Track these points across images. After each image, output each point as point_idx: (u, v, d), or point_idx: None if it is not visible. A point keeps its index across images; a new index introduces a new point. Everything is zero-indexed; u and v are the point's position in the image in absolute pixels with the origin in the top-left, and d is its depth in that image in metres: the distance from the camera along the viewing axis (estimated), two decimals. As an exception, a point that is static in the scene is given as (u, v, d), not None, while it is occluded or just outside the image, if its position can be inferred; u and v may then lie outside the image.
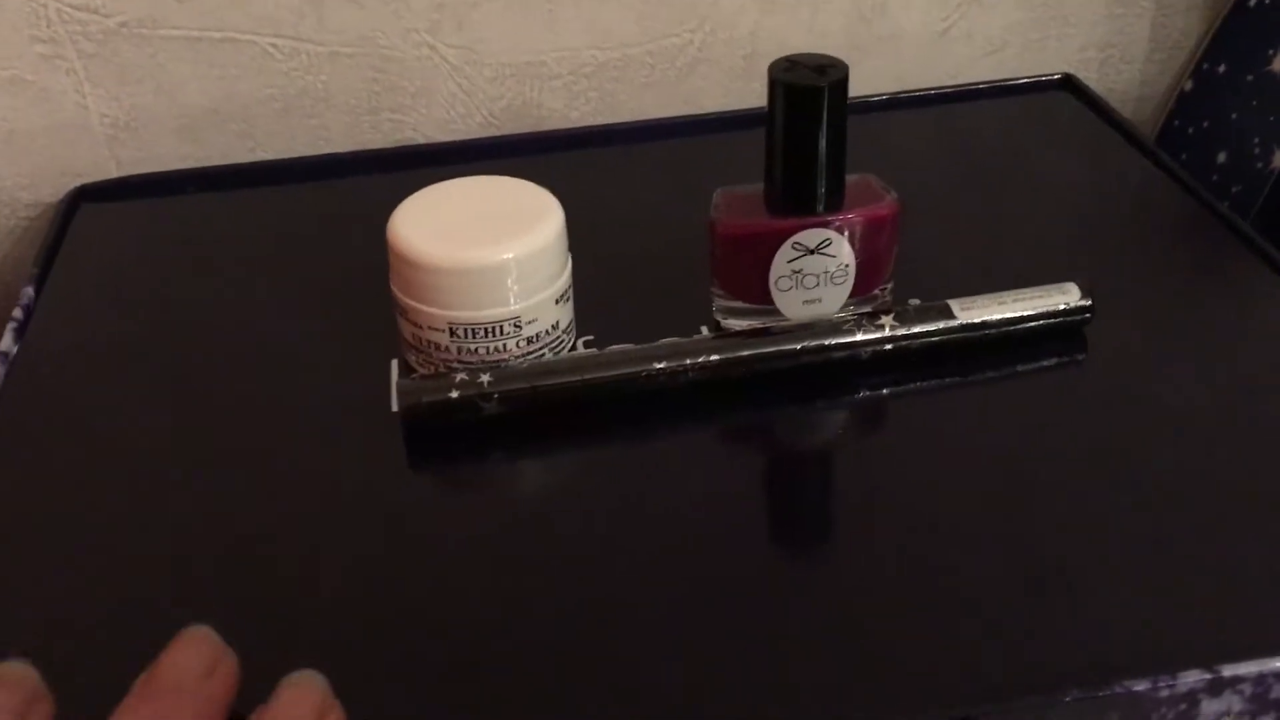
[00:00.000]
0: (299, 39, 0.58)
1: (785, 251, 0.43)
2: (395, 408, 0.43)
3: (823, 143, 0.42)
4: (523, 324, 0.43)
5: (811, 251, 0.43)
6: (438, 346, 0.43)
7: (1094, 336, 0.46)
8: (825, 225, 0.43)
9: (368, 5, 0.58)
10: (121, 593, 0.38)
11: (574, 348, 0.46)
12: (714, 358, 0.43)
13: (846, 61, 0.64)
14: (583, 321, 0.46)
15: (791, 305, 0.45)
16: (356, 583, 0.38)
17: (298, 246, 0.54)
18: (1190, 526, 0.38)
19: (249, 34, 0.57)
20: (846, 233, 0.43)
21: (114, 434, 0.44)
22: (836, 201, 0.43)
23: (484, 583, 0.38)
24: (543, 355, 0.44)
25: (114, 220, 0.57)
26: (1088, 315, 0.45)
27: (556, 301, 0.44)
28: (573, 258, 0.45)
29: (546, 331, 0.44)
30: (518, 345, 0.43)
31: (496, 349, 0.43)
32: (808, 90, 0.41)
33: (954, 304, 0.44)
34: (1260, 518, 0.38)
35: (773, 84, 0.41)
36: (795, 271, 0.44)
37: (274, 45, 0.58)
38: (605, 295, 0.47)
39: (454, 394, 0.41)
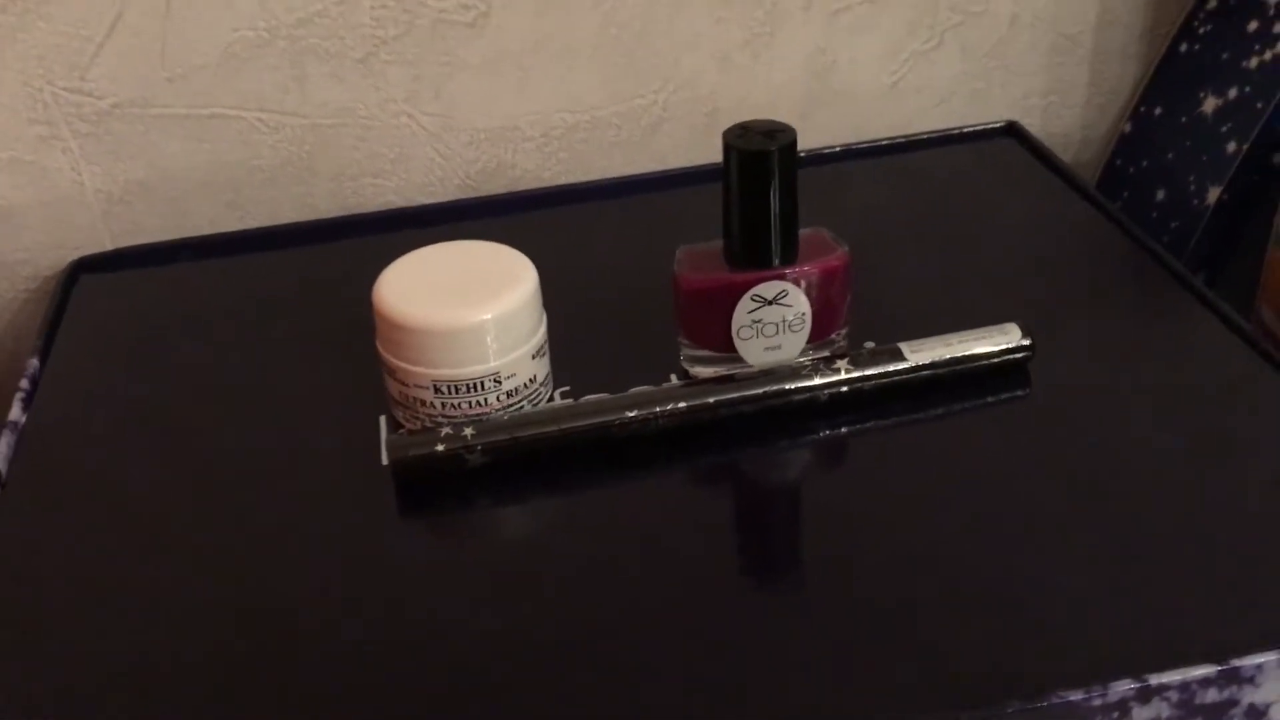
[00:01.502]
0: (283, 113, 0.61)
1: (745, 303, 0.47)
2: (385, 461, 0.46)
3: (775, 201, 0.45)
4: (502, 379, 0.46)
5: (770, 302, 0.47)
6: (423, 403, 0.46)
7: (1037, 372, 0.49)
8: (782, 277, 0.46)
9: (348, 79, 0.61)
10: (130, 653, 0.40)
11: (552, 399, 0.49)
12: (682, 404, 0.46)
13: (802, 114, 0.67)
14: (559, 373, 0.49)
15: (753, 352, 0.48)
16: (354, 628, 0.40)
17: (288, 309, 0.57)
18: (1123, 545, 0.41)
19: (235, 110, 0.61)
20: (802, 283, 0.47)
21: (119, 495, 0.47)
22: (791, 255, 0.47)
23: (472, 623, 0.40)
24: (522, 407, 0.47)
25: (111, 290, 0.60)
26: (1029, 353, 0.48)
27: (533, 357, 0.47)
28: (547, 312, 0.48)
29: (525, 385, 0.47)
30: (498, 399, 0.46)
31: (479, 403, 0.46)
32: (758, 154, 0.44)
33: (904, 347, 0.48)
34: (1187, 536, 0.41)
35: (726, 149, 0.45)
36: (755, 321, 0.47)
37: (260, 119, 0.61)
38: (579, 347, 0.50)
39: (440, 447, 0.44)
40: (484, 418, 0.46)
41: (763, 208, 0.45)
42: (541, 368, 0.48)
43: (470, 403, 0.46)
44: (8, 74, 0.58)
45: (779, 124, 0.45)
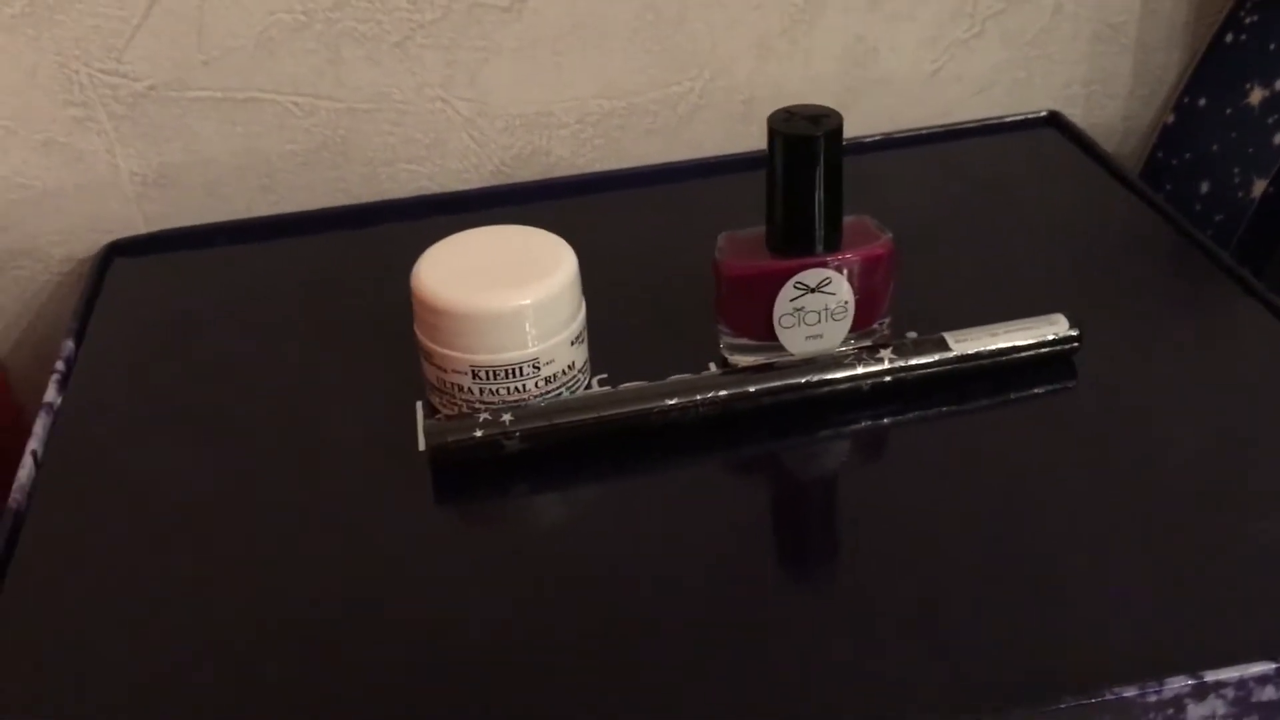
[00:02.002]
0: (318, 97, 0.61)
1: (788, 290, 0.46)
2: (422, 447, 0.46)
3: (820, 187, 0.44)
4: (541, 365, 0.45)
5: (812, 290, 0.46)
6: (460, 388, 0.46)
7: (1082, 364, 0.48)
8: (825, 265, 0.46)
9: (384, 64, 0.60)
10: (162, 638, 0.40)
11: (589, 386, 0.48)
12: (722, 393, 0.46)
13: (840, 103, 0.66)
14: (596, 360, 0.49)
15: (795, 341, 0.47)
16: (391, 615, 0.40)
17: (322, 294, 0.56)
18: (1176, 541, 0.40)
19: (271, 93, 0.60)
20: (845, 271, 0.46)
21: (154, 478, 0.46)
22: (835, 242, 0.46)
23: (508, 611, 0.40)
24: (560, 394, 0.46)
25: (145, 273, 0.59)
26: (1076, 344, 0.47)
27: (572, 343, 0.46)
28: (586, 294, 0.47)
29: (563, 371, 0.46)
30: (536, 385, 0.46)
31: (516, 389, 0.45)
32: (804, 139, 0.43)
33: (949, 336, 0.47)
34: (1241, 531, 0.40)
35: (772, 134, 0.44)
36: (797, 309, 0.46)
37: (295, 103, 0.61)
38: (617, 334, 0.50)
39: (478, 433, 0.44)
40: (522, 404, 0.45)
41: (807, 193, 0.44)
42: (580, 354, 0.47)
43: (508, 389, 0.45)
44: (44, 56, 0.57)
45: (824, 108, 0.45)
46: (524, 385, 0.45)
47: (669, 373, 0.48)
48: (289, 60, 0.60)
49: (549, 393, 0.46)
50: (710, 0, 0.62)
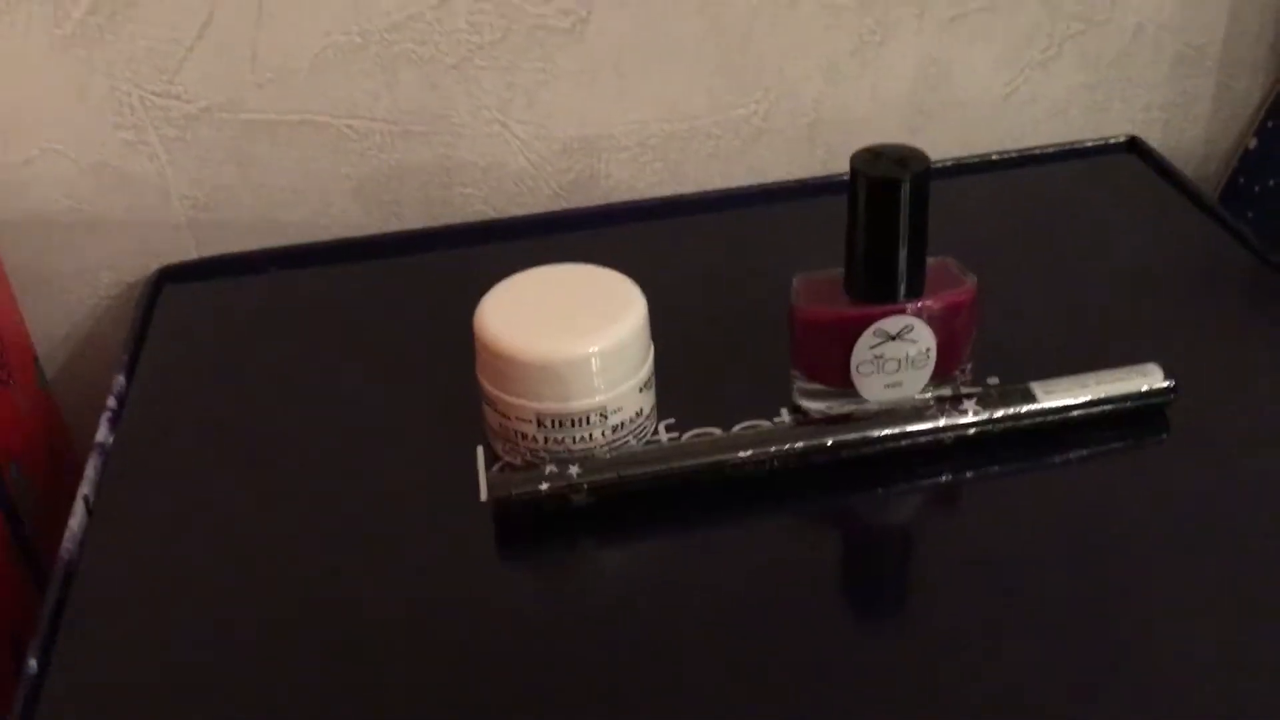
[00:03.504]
0: (374, 119, 0.59)
1: (867, 338, 0.44)
2: (484, 497, 0.44)
3: (904, 232, 0.42)
4: (608, 413, 0.43)
5: (893, 338, 0.44)
6: (524, 436, 0.44)
7: (1174, 414, 0.46)
8: (906, 312, 0.43)
9: (441, 85, 0.59)
10: (217, 680, 0.38)
11: (656, 431, 0.46)
12: (799, 445, 0.44)
13: (910, 127, 0.64)
14: (662, 401, 0.47)
15: (873, 389, 0.45)
16: (450, 670, 0.38)
17: (377, 323, 0.55)
18: (1268, 607, 0.38)
19: (325, 116, 0.59)
20: (927, 318, 0.44)
21: (206, 520, 0.45)
22: (917, 287, 0.44)
23: (574, 669, 0.38)
24: (627, 442, 0.44)
25: (196, 300, 0.58)
26: (1170, 397, 0.45)
27: (640, 390, 0.44)
28: (653, 326, 0.45)
29: (631, 419, 0.44)
30: (603, 434, 0.44)
31: (583, 438, 0.44)
32: (890, 182, 0.41)
33: (1036, 387, 0.45)
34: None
35: (854, 175, 0.42)
36: (877, 357, 0.44)
37: (350, 126, 0.59)
38: (682, 373, 0.48)
39: (543, 486, 0.42)
40: (589, 455, 0.43)
41: (890, 239, 0.42)
42: (648, 400, 0.45)
43: (574, 437, 0.43)
44: (95, 77, 0.56)
45: (912, 149, 0.42)
46: (590, 434, 0.44)
47: (737, 417, 0.46)
48: (344, 82, 0.58)
49: (616, 441, 0.44)
50: (778, 19, 0.60)
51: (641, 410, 0.45)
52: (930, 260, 0.45)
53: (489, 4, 0.57)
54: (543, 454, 0.44)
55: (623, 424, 0.44)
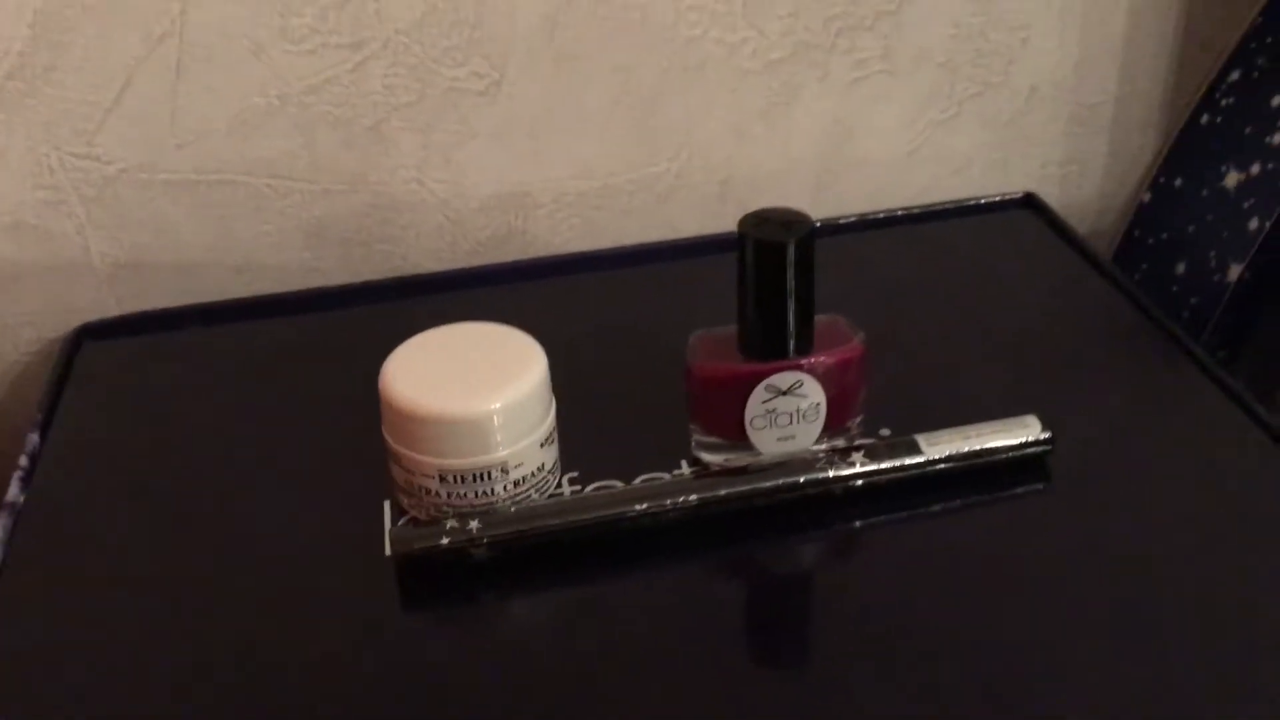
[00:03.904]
0: (293, 179, 0.61)
1: (759, 393, 0.46)
2: (389, 552, 0.45)
3: (791, 292, 0.44)
4: (510, 468, 0.45)
5: (784, 393, 0.46)
6: (428, 491, 0.45)
7: (1055, 463, 0.48)
8: (796, 368, 0.45)
9: (358, 145, 0.60)
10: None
11: (560, 485, 0.48)
12: (693, 498, 0.45)
13: (818, 183, 0.67)
14: (569, 454, 0.48)
15: (766, 442, 0.47)
16: (354, 731, 0.39)
17: (296, 378, 0.56)
18: (1145, 648, 0.40)
19: (244, 175, 0.60)
20: (816, 374, 0.46)
21: (121, 577, 0.46)
22: (806, 345, 0.46)
23: (476, 728, 0.39)
24: (530, 496, 0.46)
25: (116, 357, 0.59)
26: (1048, 447, 0.47)
27: (541, 445, 0.46)
28: (557, 384, 0.47)
29: (533, 474, 0.46)
30: (505, 489, 0.45)
31: (485, 493, 0.45)
32: (775, 245, 0.43)
33: (921, 439, 0.47)
34: (1215, 641, 0.40)
35: (742, 238, 0.44)
36: (769, 411, 0.46)
37: (269, 185, 0.60)
38: (589, 427, 0.49)
39: (444, 540, 0.43)
40: (490, 509, 0.44)
41: (779, 298, 0.44)
42: (550, 455, 0.47)
43: (476, 492, 0.45)
44: (15, 139, 0.57)
45: (796, 213, 0.44)
46: (493, 489, 0.45)
47: (641, 469, 0.48)
48: (263, 143, 0.59)
49: (518, 495, 0.46)
50: (687, 84, 0.62)
51: (543, 465, 0.46)
52: (821, 318, 0.47)
53: (403, 68, 0.59)
54: (446, 509, 0.45)
55: (524, 479, 0.46)
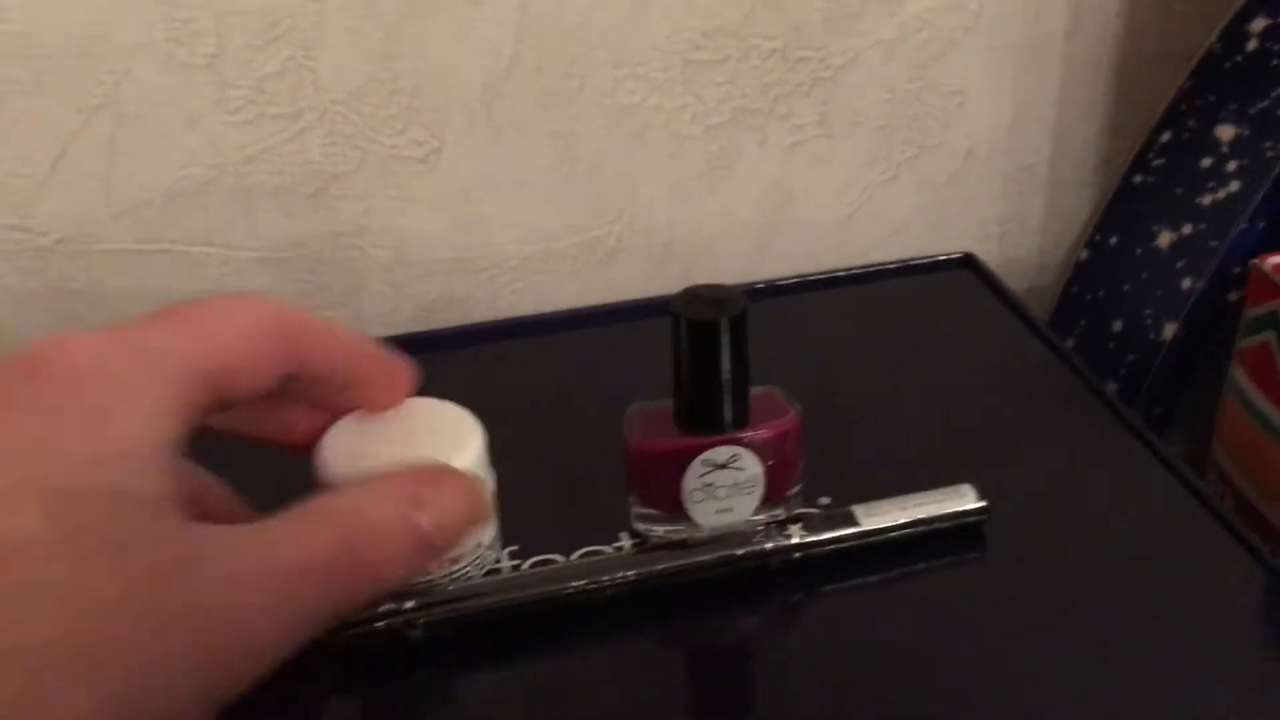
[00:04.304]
0: (230, 247, 0.60)
1: (695, 467, 0.46)
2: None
3: (725, 369, 0.44)
4: None
5: (721, 466, 0.46)
6: (364, 570, 0.45)
7: (991, 532, 0.48)
8: (733, 442, 0.45)
9: (296, 214, 0.60)
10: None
11: (499, 560, 0.47)
12: (630, 574, 0.45)
13: (758, 244, 0.67)
14: (509, 522, 0.48)
15: (705, 515, 0.47)
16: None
17: (234, 448, 0.55)
18: (1092, 710, 0.40)
19: (182, 245, 0.60)
20: (753, 447, 0.46)
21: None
22: (742, 419, 0.46)
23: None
24: (467, 573, 0.46)
25: (50, 429, 0.58)
26: (984, 516, 0.47)
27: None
28: (500, 453, 0.47)
29: (470, 551, 0.45)
30: (440, 567, 0.45)
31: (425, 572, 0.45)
32: (708, 325, 0.43)
33: (858, 510, 0.47)
34: (1152, 707, 0.40)
35: (675, 318, 0.44)
36: (707, 485, 0.46)
37: (206, 254, 0.60)
38: (530, 495, 0.49)
39: (379, 624, 0.43)
40: (426, 589, 0.44)
41: (713, 375, 0.44)
42: (487, 532, 0.47)
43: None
44: (-53, 211, 0.57)
45: (728, 290, 0.45)
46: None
47: (582, 540, 0.47)
48: (200, 213, 0.59)
49: (455, 572, 0.45)
50: (627, 147, 0.62)
51: (480, 542, 0.46)
52: (757, 390, 0.47)
53: (341, 136, 0.59)
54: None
55: (462, 555, 0.45)
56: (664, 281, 0.67)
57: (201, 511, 0.35)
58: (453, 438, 0.46)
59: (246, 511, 0.39)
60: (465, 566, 0.46)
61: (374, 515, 0.34)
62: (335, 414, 0.42)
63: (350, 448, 0.45)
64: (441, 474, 0.37)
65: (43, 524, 0.27)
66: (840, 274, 0.67)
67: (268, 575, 0.31)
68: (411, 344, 0.62)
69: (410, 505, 0.35)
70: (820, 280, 0.66)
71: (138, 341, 0.32)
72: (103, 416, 0.29)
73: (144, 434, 0.30)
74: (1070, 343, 0.70)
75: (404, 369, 0.42)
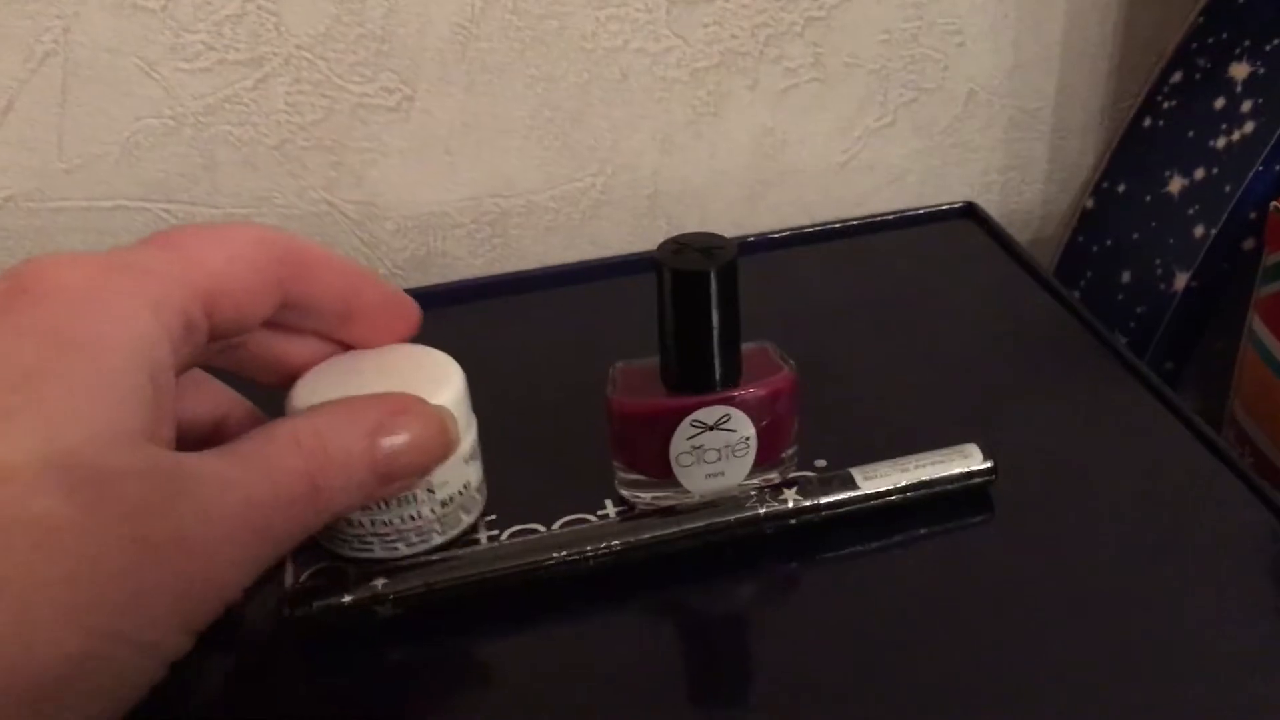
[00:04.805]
0: (193, 204, 0.57)
1: (684, 429, 0.43)
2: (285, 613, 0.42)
3: (715, 323, 0.41)
4: (435, 488, 0.42)
5: (711, 427, 0.43)
6: (350, 522, 0.42)
7: (999, 494, 0.45)
8: (723, 401, 0.43)
9: (262, 167, 0.57)
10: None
11: (476, 528, 0.45)
12: (615, 543, 0.42)
13: (750, 195, 0.64)
14: (492, 492, 0.45)
15: (694, 480, 0.44)
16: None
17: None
18: (1101, 677, 0.38)
19: (140, 201, 0.56)
20: (744, 407, 0.43)
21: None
22: (733, 376, 0.43)
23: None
24: (459, 517, 0.43)
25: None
26: (991, 477, 0.45)
27: (466, 461, 0.43)
28: (481, 415, 0.44)
29: (460, 492, 0.43)
30: (432, 510, 0.42)
31: (411, 516, 0.42)
32: (696, 275, 0.40)
33: (856, 473, 0.44)
34: (1173, 668, 0.38)
35: (659, 269, 0.41)
36: (696, 447, 0.43)
37: (167, 210, 0.57)
38: (511, 460, 0.46)
39: (346, 599, 0.40)
40: (397, 563, 0.41)
41: (702, 330, 0.41)
42: (475, 472, 0.44)
43: (401, 517, 0.42)
44: (-111, 167, 0.53)
45: (717, 238, 0.42)
46: (419, 511, 0.42)
47: (566, 508, 0.45)
48: (158, 166, 0.56)
49: (445, 515, 0.42)
50: (609, 94, 0.59)
51: (469, 483, 0.43)
52: (749, 346, 0.44)
53: (308, 84, 0.55)
54: (369, 537, 0.42)
55: (451, 498, 0.42)
56: (650, 235, 0.64)
57: (219, 432, 0.37)
58: (433, 376, 0.43)
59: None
60: (455, 508, 0.43)
61: (337, 445, 0.34)
62: (334, 348, 0.41)
63: (325, 391, 0.42)
64: (408, 402, 0.37)
65: (32, 455, 0.27)
66: (835, 225, 0.63)
67: (242, 508, 0.31)
68: (386, 303, 0.59)
69: (374, 434, 0.35)
70: (814, 232, 0.63)
71: (129, 264, 0.31)
72: (93, 342, 0.29)
73: (133, 362, 0.30)
74: (1077, 294, 0.67)
75: (408, 304, 0.41)
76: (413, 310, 0.42)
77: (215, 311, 0.33)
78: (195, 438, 0.37)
